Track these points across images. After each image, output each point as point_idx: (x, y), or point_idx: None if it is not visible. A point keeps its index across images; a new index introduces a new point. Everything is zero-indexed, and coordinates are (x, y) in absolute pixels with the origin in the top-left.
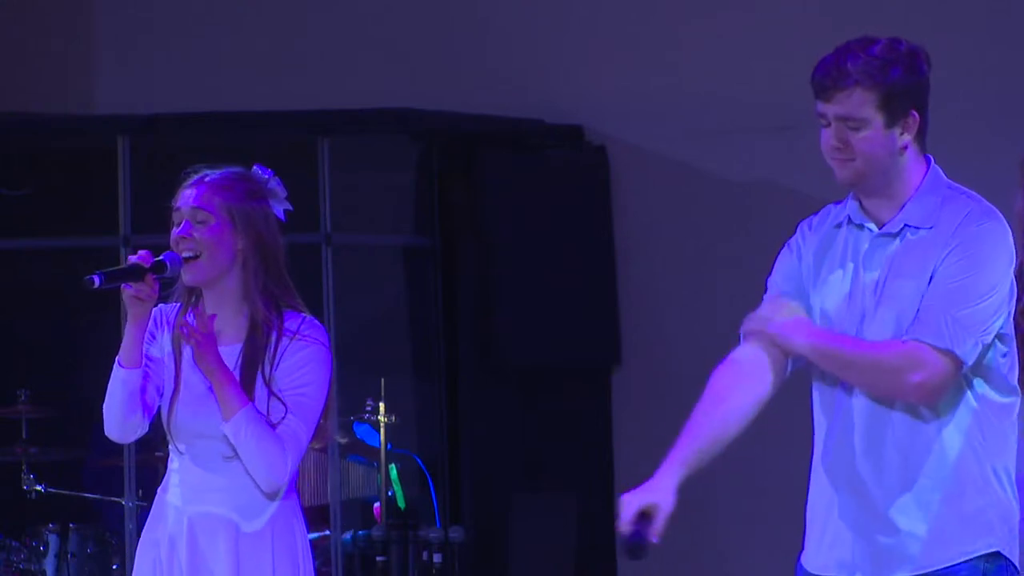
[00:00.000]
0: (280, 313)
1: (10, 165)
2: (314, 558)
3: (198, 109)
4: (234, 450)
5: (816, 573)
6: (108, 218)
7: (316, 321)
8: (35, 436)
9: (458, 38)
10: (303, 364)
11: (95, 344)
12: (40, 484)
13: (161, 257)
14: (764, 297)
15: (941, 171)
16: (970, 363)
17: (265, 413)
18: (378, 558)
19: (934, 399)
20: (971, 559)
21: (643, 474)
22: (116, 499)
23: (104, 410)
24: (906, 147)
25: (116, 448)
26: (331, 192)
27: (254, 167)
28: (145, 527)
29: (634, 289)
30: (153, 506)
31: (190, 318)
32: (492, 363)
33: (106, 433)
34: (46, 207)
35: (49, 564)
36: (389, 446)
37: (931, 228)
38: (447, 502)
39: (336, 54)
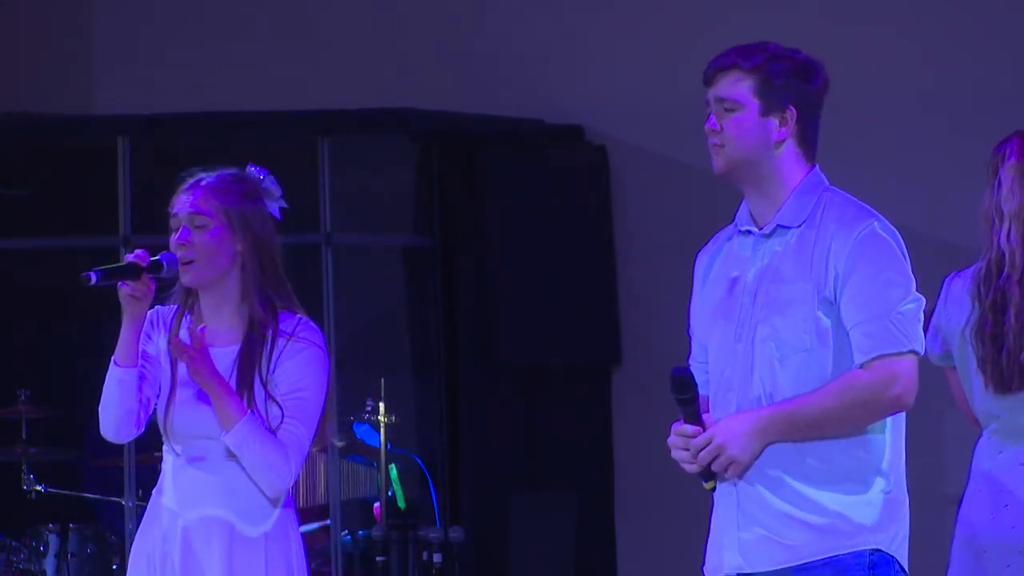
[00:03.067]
0: (276, 314)
1: (10, 165)
2: (308, 564)
3: (198, 109)
4: (233, 453)
5: None
6: (108, 218)
7: (312, 323)
8: (35, 436)
9: (458, 38)
10: (301, 367)
11: (95, 344)
12: (40, 484)
13: (158, 257)
14: (690, 347)
15: (824, 178)
16: (923, 351)
17: (264, 415)
18: (378, 558)
19: (911, 401)
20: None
21: (643, 474)
22: (116, 499)
23: (100, 409)
24: (783, 141)
25: (116, 448)
26: (331, 192)
27: (248, 167)
28: (139, 529)
29: (634, 289)
30: (147, 507)
31: (183, 334)
32: (492, 363)
33: (102, 433)
34: (46, 207)
35: (49, 564)
36: (389, 446)
37: (800, 226)
38: (447, 502)
39: (336, 54)
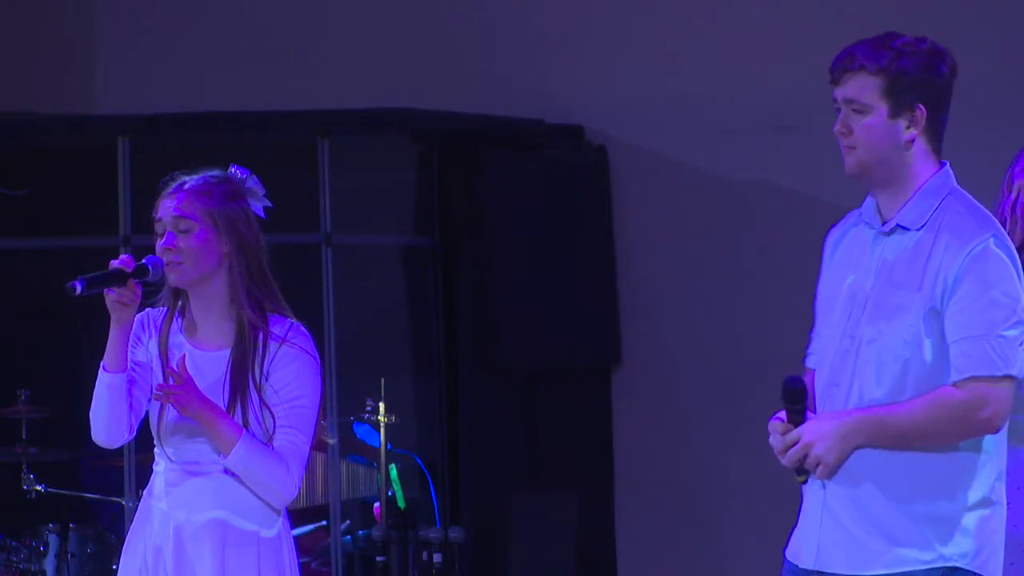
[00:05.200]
0: (266, 317)
1: (10, 165)
2: (299, 564)
3: (198, 109)
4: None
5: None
6: (108, 218)
7: (302, 327)
8: (35, 436)
9: (458, 38)
10: (296, 376)
11: (95, 344)
12: (40, 484)
13: (143, 261)
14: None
15: (952, 177)
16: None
17: (259, 420)
18: (378, 558)
19: (1001, 425)
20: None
21: (643, 474)
22: (116, 499)
23: (90, 415)
24: (912, 141)
25: (116, 448)
26: (331, 192)
27: (230, 167)
28: (130, 531)
29: (634, 289)
30: (138, 510)
31: (175, 341)
32: (492, 363)
33: (93, 438)
34: (46, 207)
35: (49, 564)
36: (389, 446)
37: (920, 229)
38: (447, 502)
39: (336, 54)
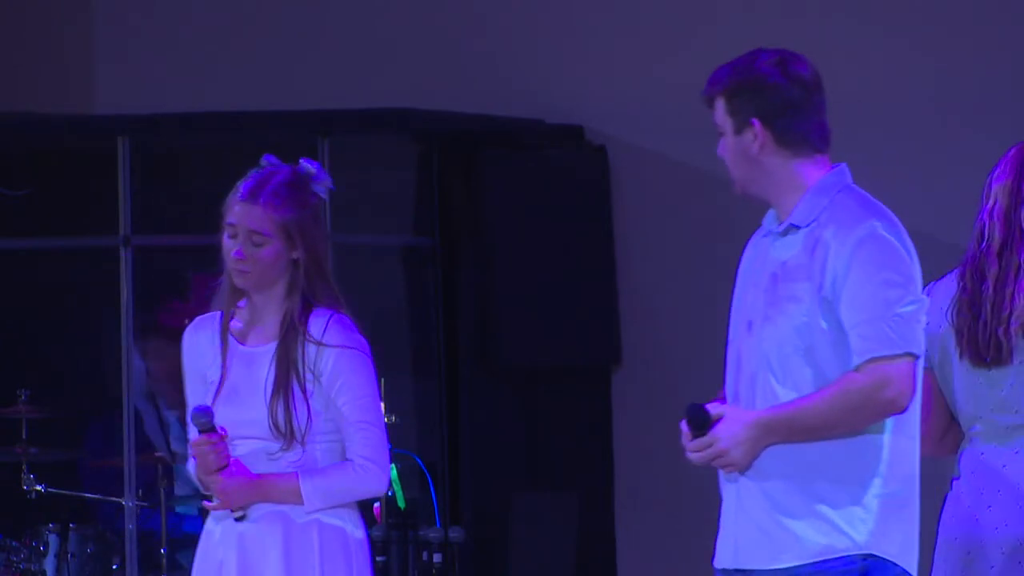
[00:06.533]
0: (308, 313)
1: (10, 165)
2: (371, 552)
3: (198, 109)
4: (279, 447)
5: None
6: (108, 218)
7: (343, 319)
8: (35, 436)
9: (458, 38)
10: (348, 372)
11: (95, 344)
12: (40, 484)
13: (203, 417)
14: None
15: (846, 176)
16: (922, 351)
17: (305, 413)
18: (378, 558)
19: (907, 404)
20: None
21: (643, 474)
22: (116, 499)
23: None
24: (765, 152)
25: (116, 448)
26: (331, 192)
27: (300, 162)
28: (200, 539)
29: (634, 289)
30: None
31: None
32: (492, 363)
33: None
34: (46, 207)
35: (49, 564)
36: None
37: (809, 225)
38: (447, 502)
39: (336, 54)
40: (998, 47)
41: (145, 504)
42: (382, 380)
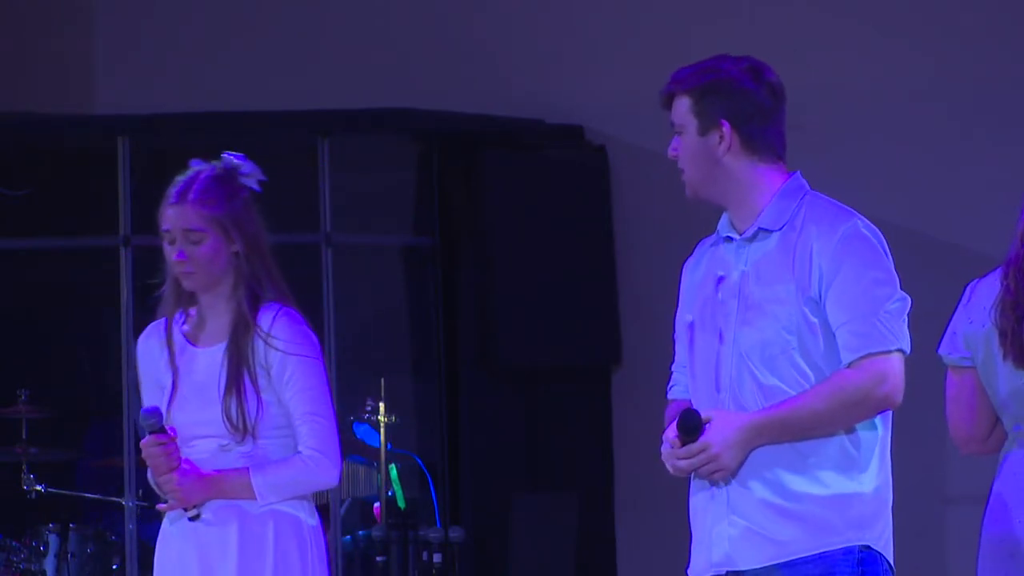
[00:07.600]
0: (257, 308)
1: (10, 165)
2: (326, 538)
3: (198, 109)
4: (231, 439)
5: None
6: (108, 218)
7: (292, 312)
8: (35, 436)
9: (458, 38)
10: (294, 364)
11: (95, 344)
12: (40, 484)
13: (152, 419)
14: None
15: (806, 183)
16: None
17: (258, 410)
18: (378, 558)
19: (901, 399)
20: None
21: (643, 474)
22: (116, 499)
23: None
24: (730, 154)
25: (116, 448)
26: (331, 192)
27: (223, 156)
28: (159, 535)
29: (634, 289)
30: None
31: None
32: (492, 363)
33: None
34: (46, 207)
35: (49, 564)
36: (389, 446)
37: (781, 228)
38: (447, 502)
39: (336, 54)
40: (998, 47)
41: (145, 504)
42: (382, 380)
